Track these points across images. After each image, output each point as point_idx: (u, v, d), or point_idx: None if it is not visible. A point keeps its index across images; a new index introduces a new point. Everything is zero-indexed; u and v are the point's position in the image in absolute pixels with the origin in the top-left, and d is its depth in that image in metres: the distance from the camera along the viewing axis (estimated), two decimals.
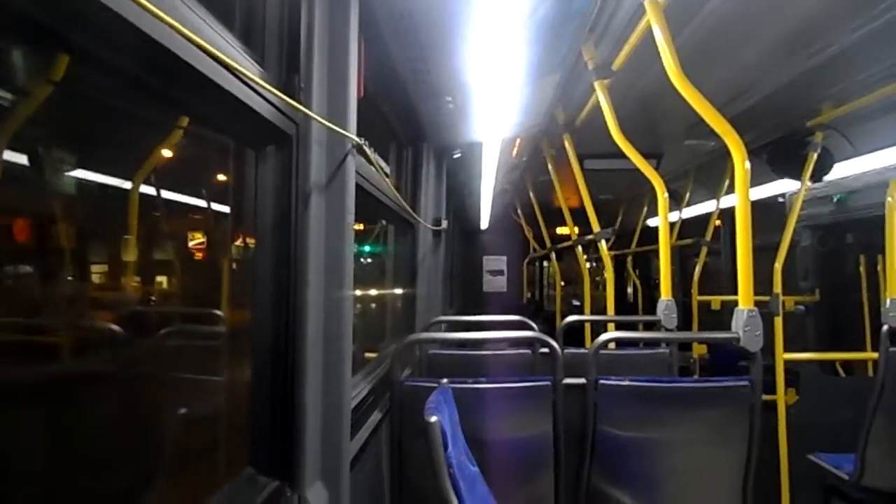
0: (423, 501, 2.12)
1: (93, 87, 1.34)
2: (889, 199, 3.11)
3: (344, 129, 1.53)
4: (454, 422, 1.75)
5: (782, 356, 3.54)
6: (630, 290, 8.90)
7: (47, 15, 0.76)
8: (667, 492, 2.21)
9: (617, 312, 3.70)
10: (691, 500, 2.25)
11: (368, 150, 1.77)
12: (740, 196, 2.07)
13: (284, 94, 1.25)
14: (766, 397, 2.76)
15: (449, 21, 2.13)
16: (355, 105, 1.62)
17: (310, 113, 1.38)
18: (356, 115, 1.63)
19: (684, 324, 5.55)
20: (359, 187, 1.86)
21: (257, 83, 1.15)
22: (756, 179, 4.28)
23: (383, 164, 2.40)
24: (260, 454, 1.38)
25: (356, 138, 1.59)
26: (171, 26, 0.84)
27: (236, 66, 1.05)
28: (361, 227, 4.20)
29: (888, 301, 3.01)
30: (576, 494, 2.25)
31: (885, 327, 2.90)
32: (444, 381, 1.93)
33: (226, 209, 1.95)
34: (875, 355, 3.03)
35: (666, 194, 2.76)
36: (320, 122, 1.43)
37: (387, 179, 2.26)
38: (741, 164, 2.03)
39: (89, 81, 1.28)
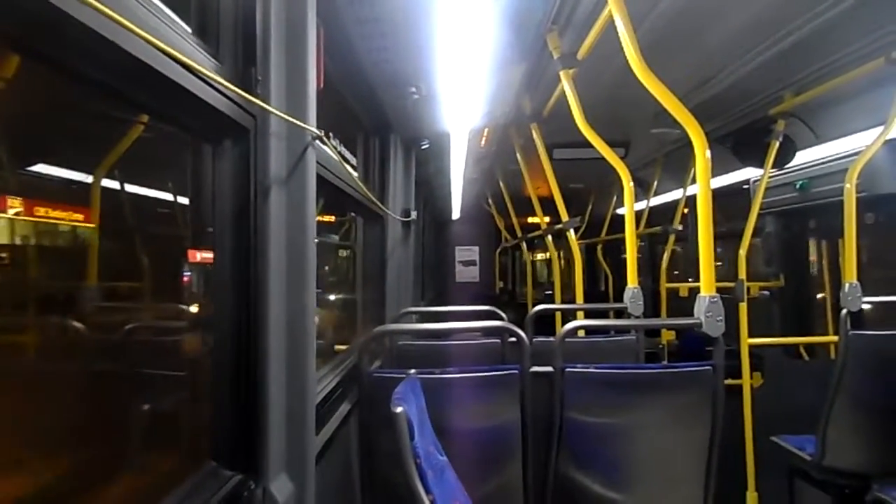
0: (392, 492, 2.13)
1: (45, 85, 1.32)
2: (847, 185, 3.18)
3: (303, 122, 1.52)
4: (422, 412, 1.76)
5: (747, 341, 3.60)
6: (601, 278, 8.98)
7: None
8: (633, 476, 2.25)
9: (588, 300, 3.73)
10: (657, 483, 2.28)
11: (331, 142, 1.76)
12: (701, 185, 2.10)
13: (241, 87, 1.24)
14: (731, 382, 2.82)
15: (411, 8, 2.11)
16: (315, 97, 1.61)
17: (267, 106, 1.36)
18: (316, 106, 1.61)
19: (653, 311, 5.63)
20: (323, 179, 1.85)
21: (212, 78, 1.13)
22: (722, 167, 4.36)
23: (348, 155, 2.39)
24: (222, 448, 1.37)
25: (316, 130, 1.58)
26: (118, 22, 0.82)
27: (190, 61, 1.04)
28: (332, 219, 4.18)
29: (847, 285, 3.07)
30: (544, 481, 2.28)
31: (844, 311, 2.96)
32: (412, 371, 1.93)
33: (184, 202, 1.93)
34: (836, 339, 3.11)
35: (632, 183, 2.78)
36: (279, 116, 1.42)
37: (352, 171, 2.25)
38: (702, 153, 2.06)
39: (40, 79, 1.25)
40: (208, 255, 1.45)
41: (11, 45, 0.96)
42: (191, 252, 1.74)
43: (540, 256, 10.26)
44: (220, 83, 1.17)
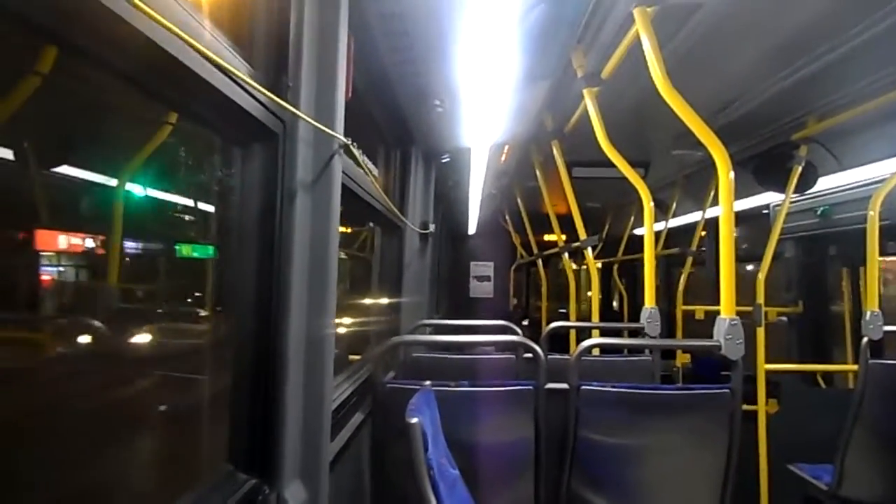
0: (403, 503, 2.12)
1: (80, 81, 1.34)
2: (871, 212, 3.15)
3: (331, 129, 1.53)
4: (435, 424, 1.75)
5: (764, 366, 3.56)
6: (615, 298, 8.94)
7: (37, 6, 0.75)
8: (646, 498, 2.22)
9: (602, 320, 3.71)
10: None
11: (356, 151, 1.77)
12: (724, 207, 2.09)
13: (272, 92, 1.25)
14: (747, 407, 2.78)
15: (440, 23, 2.13)
16: (343, 105, 1.63)
17: (297, 112, 1.38)
18: (344, 115, 1.63)
19: (668, 333, 5.58)
20: (345, 188, 1.86)
21: (245, 81, 1.15)
22: (742, 191, 4.34)
23: (371, 165, 2.41)
24: (239, 451, 1.37)
25: (343, 138, 1.59)
26: (161, 23, 0.84)
27: (224, 63, 1.06)
28: (348, 229, 4.20)
29: (868, 313, 3.04)
30: (556, 499, 2.26)
31: (864, 339, 2.92)
32: (427, 383, 1.93)
33: (209, 208, 1.94)
34: (855, 367, 3.06)
35: (652, 203, 2.77)
36: (307, 122, 1.43)
37: (374, 181, 2.26)
38: (725, 175, 2.05)
39: (78, 75, 1.28)
40: (78, 242, 1.39)
41: (49, 38, 0.97)
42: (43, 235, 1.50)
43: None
44: (253, 87, 1.19)
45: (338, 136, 1.57)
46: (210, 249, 2.15)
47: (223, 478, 1.34)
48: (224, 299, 1.69)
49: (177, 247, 2.15)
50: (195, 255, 2.16)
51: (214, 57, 1.02)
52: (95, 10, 0.77)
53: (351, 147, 1.67)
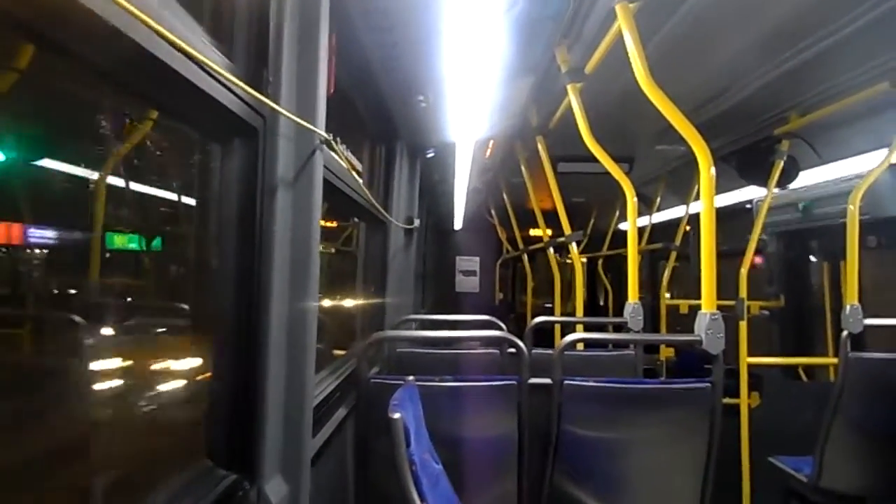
0: (386, 498, 2.12)
1: (57, 76, 1.32)
2: (851, 207, 3.18)
3: (312, 125, 1.52)
4: (418, 419, 1.75)
5: (746, 360, 3.59)
6: (601, 293, 8.97)
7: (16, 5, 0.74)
8: (628, 492, 2.24)
9: (588, 315, 3.73)
10: (652, 500, 2.28)
11: (338, 146, 1.76)
12: (705, 202, 2.10)
13: (251, 87, 1.24)
14: (729, 401, 2.81)
15: (424, 18, 2.13)
16: (325, 100, 1.62)
17: (277, 107, 1.37)
18: (325, 110, 1.62)
19: (652, 327, 5.62)
20: (328, 183, 1.85)
21: (223, 76, 1.14)
22: (725, 186, 4.37)
23: (354, 160, 2.40)
24: (218, 447, 1.37)
25: (324, 134, 1.58)
26: (135, 16, 0.83)
27: (202, 57, 1.05)
28: (334, 224, 4.19)
29: (848, 307, 3.07)
30: (539, 494, 2.27)
31: (844, 333, 2.96)
32: (410, 378, 1.93)
33: (190, 202, 1.92)
34: (836, 360, 3.10)
35: (635, 198, 2.78)
36: (288, 117, 1.42)
37: (357, 176, 2.26)
38: (706, 170, 2.06)
39: (54, 70, 1.26)
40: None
41: (26, 35, 0.96)
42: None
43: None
44: (231, 81, 1.17)
45: (319, 131, 1.56)
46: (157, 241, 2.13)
47: (201, 473, 1.33)
48: (199, 294, 1.67)
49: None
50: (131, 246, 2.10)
51: (192, 51, 1.01)
52: (66, 1, 0.76)
53: (333, 142, 1.66)
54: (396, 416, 1.38)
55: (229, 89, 1.21)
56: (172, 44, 0.95)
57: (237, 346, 1.38)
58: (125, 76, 1.04)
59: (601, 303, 8.86)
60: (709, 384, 2.17)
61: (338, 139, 1.71)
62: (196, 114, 1.28)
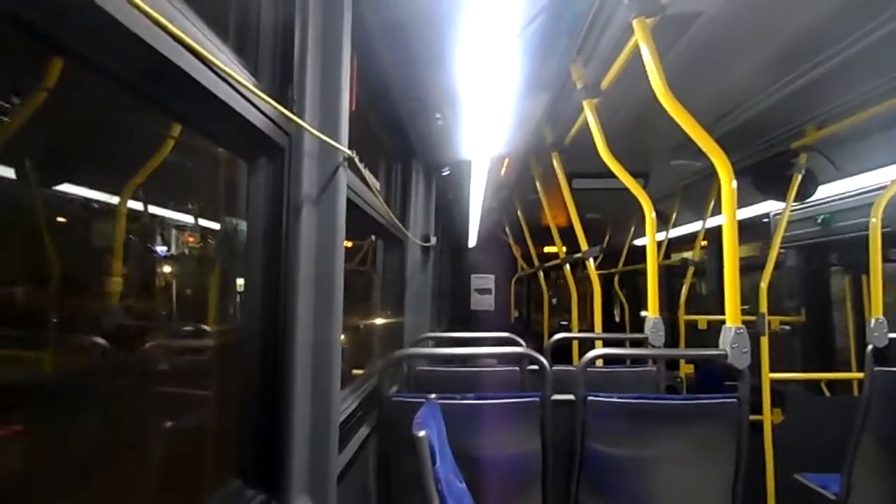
0: None
1: (87, 94, 1.34)
2: (873, 219, 3.15)
3: (336, 142, 1.53)
4: (442, 437, 1.74)
5: (768, 375, 3.55)
6: (617, 310, 8.92)
7: (42, 16, 0.75)
8: None
9: (604, 331, 3.70)
10: None
11: (359, 164, 1.77)
12: (727, 215, 2.08)
13: (278, 104, 1.26)
14: (752, 417, 2.77)
15: (440, 36, 2.15)
16: (347, 117, 1.63)
17: (303, 124, 1.38)
18: (348, 127, 1.64)
19: (672, 343, 5.58)
20: (349, 201, 1.86)
21: (251, 92, 1.15)
22: (742, 200, 4.34)
23: (373, 178, 2.41)
24: (247, 466, 1.36)
25: (348, 151, 1.59)
26: (168, 31, 0.84)
27: (231, 74, 1.06)
28: (350, 244, 4.20)
29: (872, 321, 3.03)
30: None
31: (869, 347, 2.91)
32: (432, 396, 1.92)
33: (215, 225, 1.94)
34: (860, 375, 3.06)
35: (653, 213, 2.77)
36: (313, 134, 1.43)
37: (377, 194, 2.27)
38: (728, 184, 2.05)
39: (84, 88, 1.28)
40: None
41: (56, 49, 0.97)
42: None
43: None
44: (259, 98, 1.19)
45: (342, 148, 1.57)
46: None
47: (231, 493, 1.32)
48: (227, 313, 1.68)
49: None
50: None
51: (220, 67, 1.02)
52: (99, 17, 0.77)
53: (354, 160, 1.67)
54: (422, 434, 1.37)
55: (256, 107, 1.22)
56: (202, 59, 0.96)
57: (264, 364, 1.38)
58: (154, 92, 1.06)
59: (617, 319, 8.80)
60: (735, 400, 2.14)
61: (358, 157, 1.72)
62: (223, 131, 1.29)
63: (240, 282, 1.60)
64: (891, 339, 2.98)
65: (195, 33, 1.01)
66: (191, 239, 2.07)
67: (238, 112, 1.16)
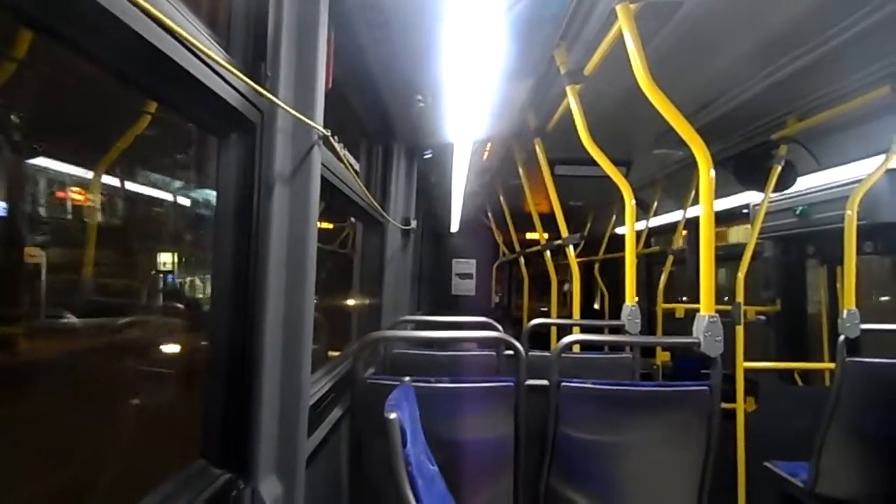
0: (381, 499, 2.10)
1: (55, 65, 1.30)
2: (849, 212, 3.18)
3: (311, 120, 1.51)
4: (415, 420, 1.74)
5: (742, 364, 3.59)
6: (598, 298, 8.97)
7: None
8: (624, 494, 2.23)
9: (583, 318, 3.72)
10: (648, 503, 2.26)
11: (336, 144, 1.75)
12: (704, 205, 2.09)
13: (250, 80, 1.23)
14: (725, 405, 2.80)
15: (422, 15, 2.12)
16: (323, 96, 1.60)
17: (275, 100, 1.35)
18: (324, 106, 1.61)
19: (648, 331, 5.62)
20: (325, 181, 1.84)
21: (222, 67, 1.13)
22: (722, 190, 4.37)
23: (351, 159, 2.38)
24: (212, 446, 1.35)
25: (322, 129, 1.57)
26: (135, 3, 0.82)
27: (201, 47, 1.03)
28: (331, 226, 4.17)
29: (845, 312, 3.07)
30: (534, 496, 2.25)
31: (841, 337, 2.95)
32: (407, 379, 1.91)
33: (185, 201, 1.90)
34: (832, 365, 3.09)
35: (634, 202, 2.77)
36: (286, 111, 1.41)
37: (355, 175, 2.24)
38: (706, 174, 2.05)
39: (52, 59, 1.24)
40: None
41: (24, 21, 0.94)
42: None
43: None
44: (230, 73, 1.16)
45: (317, 126, 1.55)
46: None
47: (195, 472, 1.31)
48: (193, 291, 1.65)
49: None
50: None
51: (190, 41, 0.99)
52: None
53: (331, 139, 1.65)
54: (393, 416, 1.36)
55: (227, 82, 1.20)
56: (171, 32, 0.94)
57: (232, 342, 1.36)
58: (124, 66, 1.03)
59: (596, 306, 8.85)
60: (707, 388, 2.16)
61: (335, 136, 1.69)
62: (194, 106, 1.27)
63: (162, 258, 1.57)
64: (862, 330, 3.02)
65: (162, 4, 0.98)
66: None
67: (208, 86, 1.13)
